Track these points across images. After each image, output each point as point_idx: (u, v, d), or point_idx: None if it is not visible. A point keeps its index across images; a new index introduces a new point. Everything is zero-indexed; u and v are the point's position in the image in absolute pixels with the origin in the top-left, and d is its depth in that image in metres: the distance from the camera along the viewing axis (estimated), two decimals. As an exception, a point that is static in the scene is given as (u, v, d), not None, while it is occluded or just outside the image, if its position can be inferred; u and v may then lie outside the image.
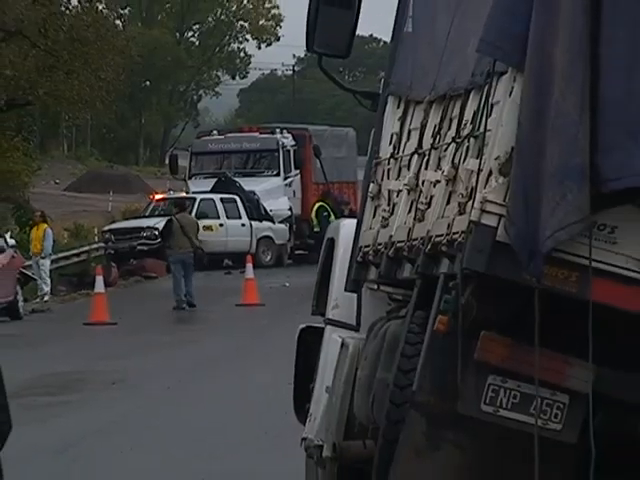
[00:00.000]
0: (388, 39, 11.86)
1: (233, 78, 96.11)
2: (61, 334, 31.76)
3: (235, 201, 49.27)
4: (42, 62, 44.78)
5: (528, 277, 8.08)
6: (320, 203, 43.41)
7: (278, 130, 54.96)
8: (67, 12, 51.05)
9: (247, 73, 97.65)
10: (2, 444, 10.99)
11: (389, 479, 8.88)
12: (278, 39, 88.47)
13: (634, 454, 8.53)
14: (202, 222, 46.67)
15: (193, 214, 46.71)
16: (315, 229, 44.83)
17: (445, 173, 9.13)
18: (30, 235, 42.34)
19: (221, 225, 48.60)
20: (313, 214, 44.03)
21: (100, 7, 60.44)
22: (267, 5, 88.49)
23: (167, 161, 58.96)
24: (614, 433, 8.51)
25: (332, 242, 12.48)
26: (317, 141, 53.26)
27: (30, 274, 39.63)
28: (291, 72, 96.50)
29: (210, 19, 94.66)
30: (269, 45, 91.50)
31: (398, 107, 10.91)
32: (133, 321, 33.01)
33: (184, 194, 50.78)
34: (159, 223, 43.24)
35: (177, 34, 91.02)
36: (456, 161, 8.98)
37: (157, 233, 42.47)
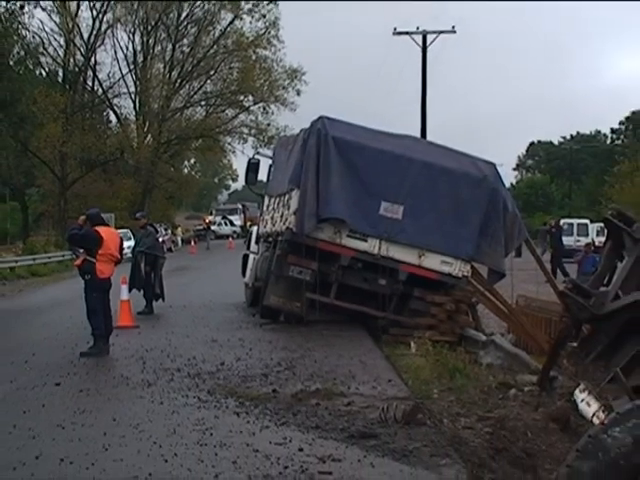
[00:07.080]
0: (264, 179, 10.74)
1: (226, 189, 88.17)
2: (181, 256, 28.78)
3: (227, 222, 44.46)
4: (181, 187, 39.81)
5: (302, 240, 7.26)
6: (250, 222, 40.76)
7: (239, 204, 50.29)
8: (186, 176, 46.87)
9: (229, 189, 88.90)
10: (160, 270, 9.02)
11: (266, 292, 7.92)
12: (237, 180, 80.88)
13: (327, 285, 7.63)
14: (220, 226, 42.92)
15: (216, 225, 42.51)
16: (249, 229, 42.35)
17: (280, 214, 8.47)
18: (174, 230, 38.08)
19: (222, 227, 42.90)
20: (247, 225, 41.35)
21: (198, 176, 57.36)
22: (231, 170, 77.41)
23: (209, 212, 55.17)
24: (322, 280, 7.57)
25: (251, 233, 11.51)
26: (249, 207, 50.32)
27: (174, 239, 35.23)
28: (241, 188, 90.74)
29: (214, 180, 79.91)
30: (235, 182, 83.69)
31: (268, 197, 10.17)
32: (202, 253, 29.98)
33: (213, 219, 46.10)
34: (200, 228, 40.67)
35: (213, 178, 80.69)
36: (283, 211, 8.24)
37: (201, 229, 39.37)
